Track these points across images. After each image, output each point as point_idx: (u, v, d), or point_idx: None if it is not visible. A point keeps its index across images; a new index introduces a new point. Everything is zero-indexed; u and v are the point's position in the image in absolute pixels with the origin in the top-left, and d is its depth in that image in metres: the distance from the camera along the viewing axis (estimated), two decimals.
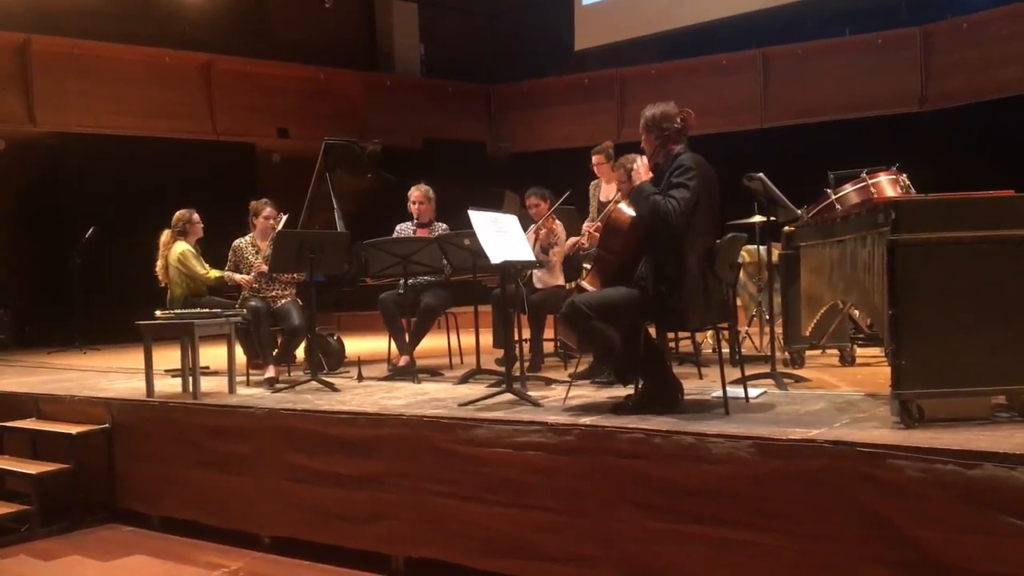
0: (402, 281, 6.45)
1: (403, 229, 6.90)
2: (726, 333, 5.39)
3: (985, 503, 3.16)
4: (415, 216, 6.86)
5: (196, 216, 7.55)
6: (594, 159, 6.95)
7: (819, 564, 3.51)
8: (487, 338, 6.62)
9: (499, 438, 4.37)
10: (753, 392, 4.76)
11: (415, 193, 6.88)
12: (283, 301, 6.77)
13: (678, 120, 4.52)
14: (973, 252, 3.72)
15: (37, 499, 5.71)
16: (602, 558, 4.06)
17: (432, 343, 7.07)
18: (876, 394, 4.60)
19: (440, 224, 6.86)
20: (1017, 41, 10.60)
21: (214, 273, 7.26)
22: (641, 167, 4.54)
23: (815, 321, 5.64)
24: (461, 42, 15.19)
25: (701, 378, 5.72)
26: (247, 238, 6.93)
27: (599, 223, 6.31)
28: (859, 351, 6.30)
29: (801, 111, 11.99)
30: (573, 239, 6.72)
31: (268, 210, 6.93)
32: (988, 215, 3.77)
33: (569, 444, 4.17)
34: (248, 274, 6.78)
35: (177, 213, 7.53)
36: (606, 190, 6.88)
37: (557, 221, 6.56)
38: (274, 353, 6.66)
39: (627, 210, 4.63)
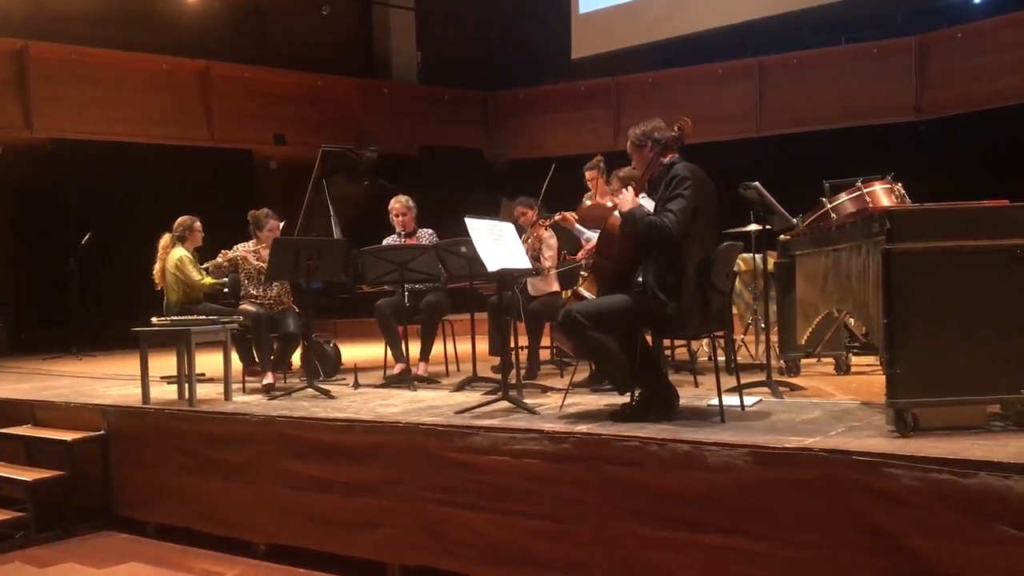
0: (404, 288, 6.46)
1: (392, 241, 6.91)
2: (722, 341, 5.41)
3: (980, 512, 3.17)
4: (401, 227, 6.87)
5: (198, 224, 7.56)
6: (587, 175, 6.97)
7: (814, 572, 3.52)
8: (483, 345, 6.62)
9: (495, 446, 4.37)
10: (749, 400, 4.77)
11: (396, 206, 6.90)
12: (280, 307, 6.77)
13: (675, 128, 4.53)
14: (968, 261, 3.74)
15: (32, 506, 5.69)
16: (598, 565, 4.06)
17: None
18: (871, 403, 4.61)
19: (426, 230, 6.89)
20: (1012, 51, 10.64)
21: (208, 280, 7.27)
22: (627, 197, 4.52)
23: (810, 330, 5.66)
24: (458, 49, 15.22)
25: (697, 386, 5.72)
26: (250, 243, 6.92)
27: (572, 214, 6.31)
28: (854, 360, 6.32)
29: (797, 120, 12.03)
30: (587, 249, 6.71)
31: (272, 222, 6.89)
32: (983, 225, 3.78)
33: (565, 452, 4.17)
34: (246, 277, 6.79)
35: (179, 218, 7.54)
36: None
37: (547, 228, 6.57)
38: (271, 359, 6.66)
39: None
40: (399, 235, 6.88)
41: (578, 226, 6.25)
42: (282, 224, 7.03)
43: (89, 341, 10.08)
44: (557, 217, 6.37)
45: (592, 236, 6.12)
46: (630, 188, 4.58)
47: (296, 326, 6.62)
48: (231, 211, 7.19)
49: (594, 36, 13.35)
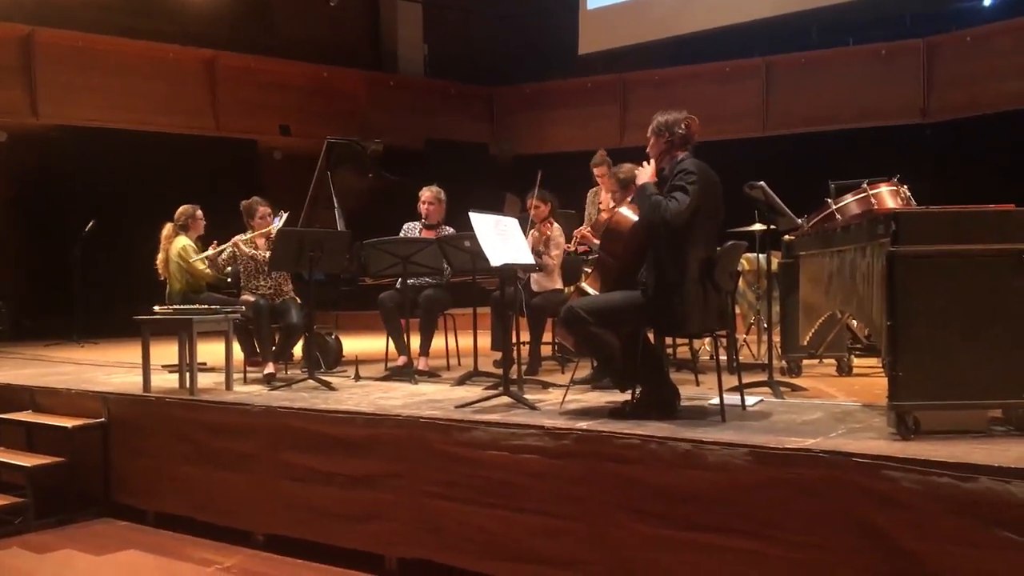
0: (399, 281, 6.46)
1: (410, 228, 6.90)
2: (724, 341, 5.40)
3: (980, 516, 3.16)
4: (424, 216, 6.86)
5: (199, 212, 7.57)
6: (596, 171, 7.00)
7: (811, 573, 3.51)
8: (485, 340, 6.62)
9: (495, 441, 4.37)
10: (750, 400, 4.76)
11: (426, 193, 6.88)
12: (282, 298, 6.78)
13: (682, 126, 4.53)
14: (972, 265, 3.73)
15: (32, 492, 5.70)
16: (596, 562, 4.06)
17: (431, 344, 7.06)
18: (873, 405, 4.60)
19: (448, 228, 6.85)
20: (1020, 55, 10.62)
21: (211, 270, 7.26)
22: (646, 169, 4.58)
23: (813, 330, 5.65)
24: (465, 43, 15.22)
25: (698, 385, 5.71)
26: (245, 235, 6.94)
27: (589, 228, 6.33)
28: (856, 361, 6.31)
29: (803, 120, 12.01)
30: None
31: (261, 208, 6.96)
32: (988, 228, 3.77)
33: (565, 448, 4.17)
34: (245, 269, 6.80)
35: (180, 208, 7.55)
36: (606, 199, 6.90)
37: (555, 224, 6.57)
38: (272, 350, 6.67)
39: (629, 214, 4.65)
40: (422, 224, 6.87)
41: (596, 241, 6.25)
42: (286, 215, 7.03)
43: (91, 328, 10.08)
44: (578, 237, 6.42)
45: None
46: (651, 163, 4.59)
47: (299, 317, 6.62)
48: (235, 201, 7.20)
49: (602, 32, 13.32)
